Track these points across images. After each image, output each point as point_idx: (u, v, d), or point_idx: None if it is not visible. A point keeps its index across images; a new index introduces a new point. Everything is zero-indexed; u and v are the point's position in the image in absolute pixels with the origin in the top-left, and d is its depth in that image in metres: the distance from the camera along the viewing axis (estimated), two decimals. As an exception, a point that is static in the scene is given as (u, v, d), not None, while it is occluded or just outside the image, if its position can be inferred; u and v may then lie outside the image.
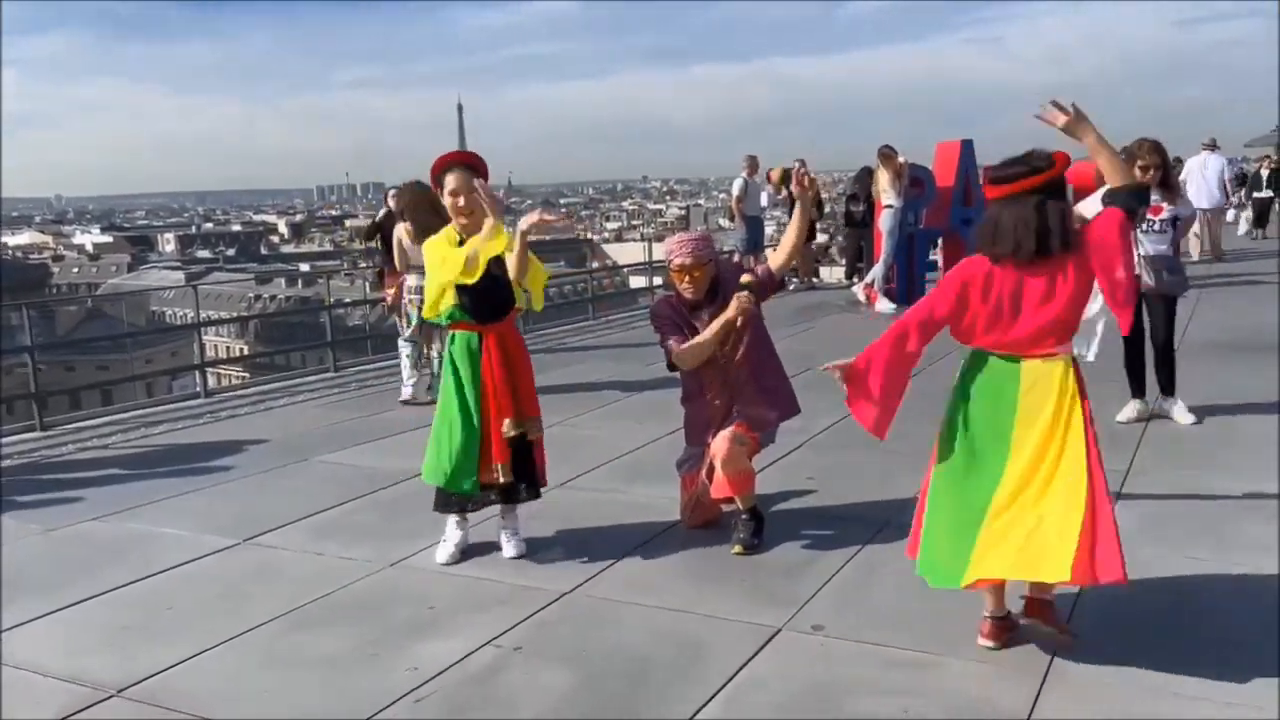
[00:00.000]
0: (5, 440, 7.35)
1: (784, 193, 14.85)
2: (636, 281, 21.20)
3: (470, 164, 4.29)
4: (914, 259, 12.45)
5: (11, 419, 8.60)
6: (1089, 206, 3.77)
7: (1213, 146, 15.86)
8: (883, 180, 11.71)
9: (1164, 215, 5.95)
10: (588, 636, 3.63)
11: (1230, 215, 18.10)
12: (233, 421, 7.80)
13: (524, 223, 4.23)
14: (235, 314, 39.31)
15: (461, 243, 4.26)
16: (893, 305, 11.66)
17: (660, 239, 17.61)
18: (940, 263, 12.67)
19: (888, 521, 4.51)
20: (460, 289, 4.20)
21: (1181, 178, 14.59)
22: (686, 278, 4.38)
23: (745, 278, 4.36)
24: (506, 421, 4.25)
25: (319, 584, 4.20)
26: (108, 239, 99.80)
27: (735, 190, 14.26)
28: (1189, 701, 3.00)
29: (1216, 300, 10.88)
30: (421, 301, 7.12)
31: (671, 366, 4.48)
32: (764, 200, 14.51)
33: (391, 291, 8.14)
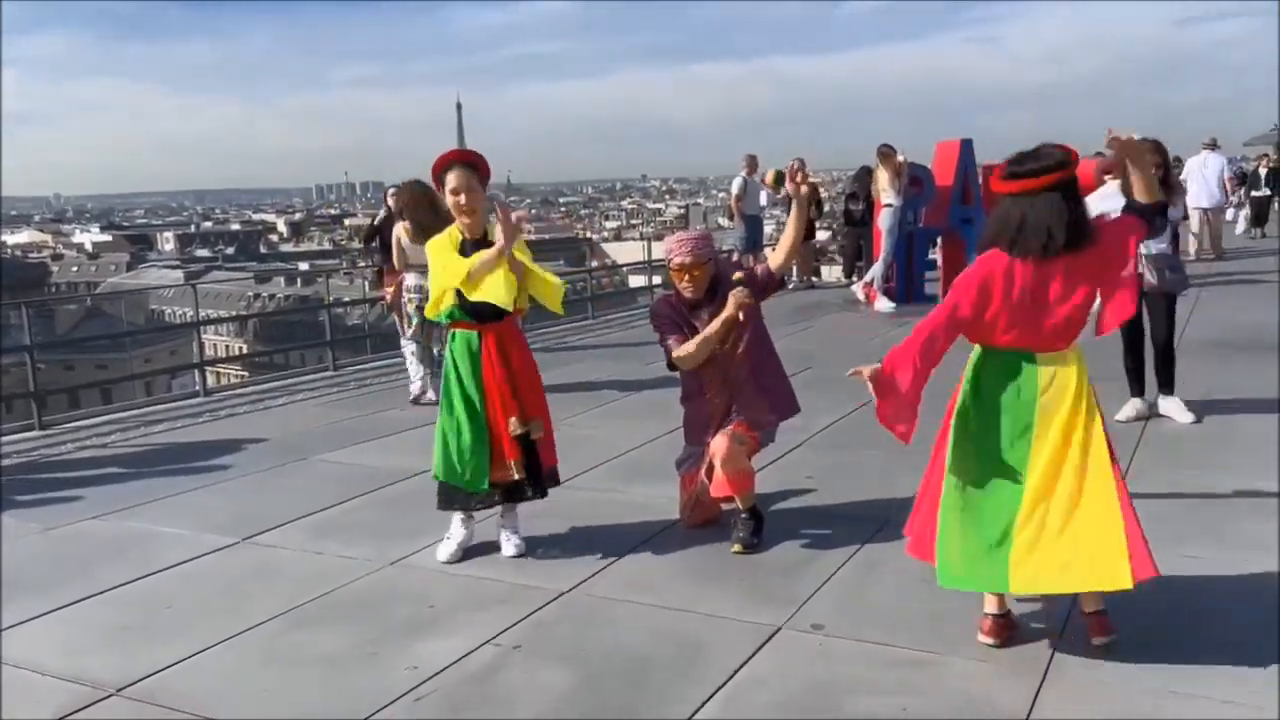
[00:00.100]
0: (4, 439, 7.35)
1: (782, 192, 14.86)
2: (636, 281, 21.21)
3: (471, 163, 4.30)
4: (913, 258, 12.45)
5: (10, 418, 8.60)
6: (1090, 205, 3.78)
7: (1213, 146, 15.88)
8: (882, 179, 11.72)
9: (1172, 214, 5.96)
10: (587, 635, 3.63)
11: (1230, 214, 18.11)
12: (232, 420, 7.81)
13: (503, 244, 4.11)
14: (234, 313, 39.32)
15: (463, 243, 4.26)
16: (892, 304, 11.67)
17: (659, 238, 17.62)
18: (939, 261, 12.67)
19: (887, 520, 4.51)
20: (460, 290, 4.21)
21: (1182, 177, 14.60)
22: (686, 277, 4.39)
23: (737, 275, 4.37)
24: (511, 420, 4.25)
25: (318, 583, 4.20)
26: (107, 238, 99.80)
27: (734, 189, 14.27)
28: (1188, 700, 3.00)
29: (1216, 299, 10.89)
30: (421, 301, 7.14)
31: (671, 366, 4.48)
32: (763, 199, 14.51)
33: (390, 290, 8.14)
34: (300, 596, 4.06)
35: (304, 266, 61.75)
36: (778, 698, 3.14)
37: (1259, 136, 29.06)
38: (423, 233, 6.60)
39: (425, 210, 7.05)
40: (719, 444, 4.32)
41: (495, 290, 4.12)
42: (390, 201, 8.63)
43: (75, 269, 77.72)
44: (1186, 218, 9.55)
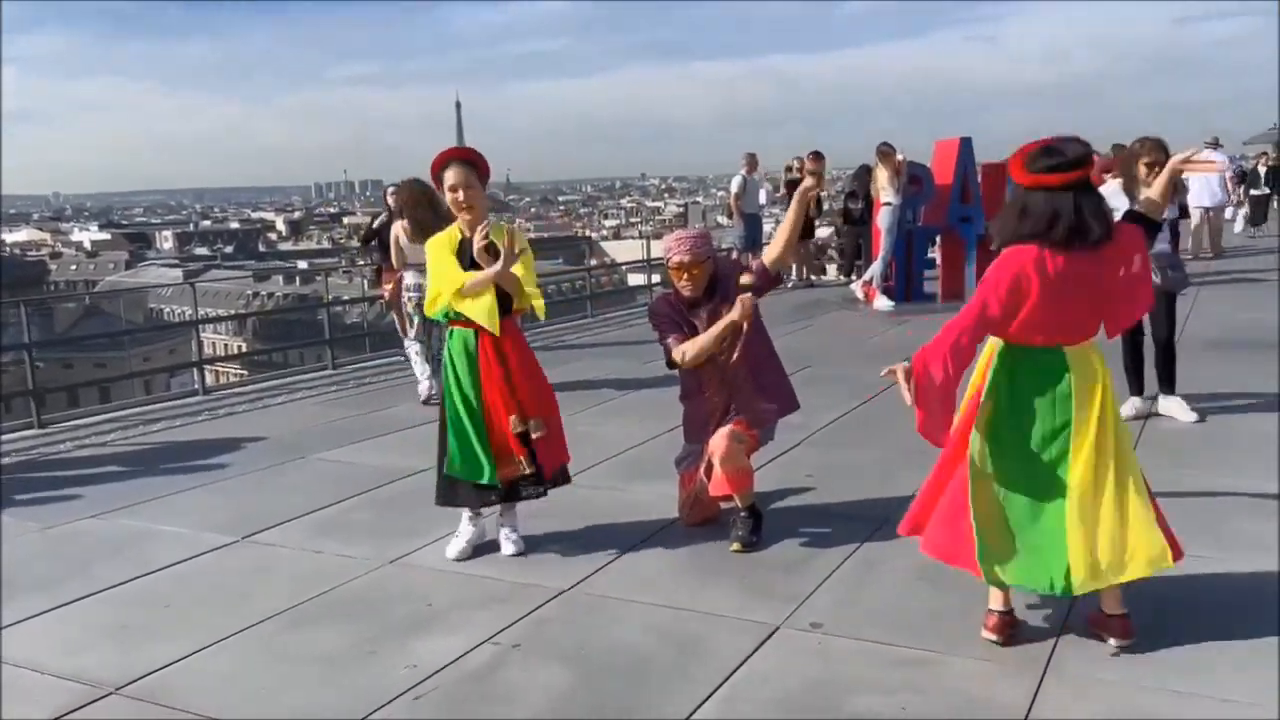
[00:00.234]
0: (3, 438, 7.34)
1: (782, 191, 14.86)
2: (635, 279, 21.19)
3: (470, 160, 4.30)
4: (912, 256, 12.45)
5: (10, 416, 8.59)
6: None
7: (1215, 144, 15.89)
8: (881, 178, 11.72)
9: (1165, 215, 5.96)
10: (586, 634, 3.63)
11: (1228, 213, 18.12)
12: (231, 419, 7.80)
13: (499, 270, 4.14)
14: (233, 311, 39.27)
15: (462, 242, 4.26)
16: (891, 303, 11.67)
17: (658, 236, 17.61)
18: (938, 260, 12.67)
19: (886, 519, 4.50)
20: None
21: (1184, 175, 14.56)
22: (685, 275, 4.38)
23: (745, 278, 4.34)
24: (511, 418, 4.25)
25: (317, 581, 4.20)
26: (106, 236, 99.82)
27: (734, 188, 14.27)
28: (1187, 699, 3.00)
29: (1215, 297, 10.89)
30: (421, 299, 7.13)
31: (670, 364, 4.48)
32: (762, 198, 14.51)
33: (389, 287, 8.13)
34: (299, 595, 4.06)
35: (303, 265, 61.72)
36: (777, 696, 3.14)
37: (1258, 135, 29.06)
38: (421, 231, 6.60)
39: (424, 209, 7.04)
40: (718, 442, 4.32)
41: (479, 311, 4.19)
42: (390, 200, 8.62)
43: (74, 267, 77.74)
44: (1185, 216, 9.56)
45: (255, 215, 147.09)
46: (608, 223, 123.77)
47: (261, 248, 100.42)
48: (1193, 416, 6.06)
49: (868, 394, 7.06)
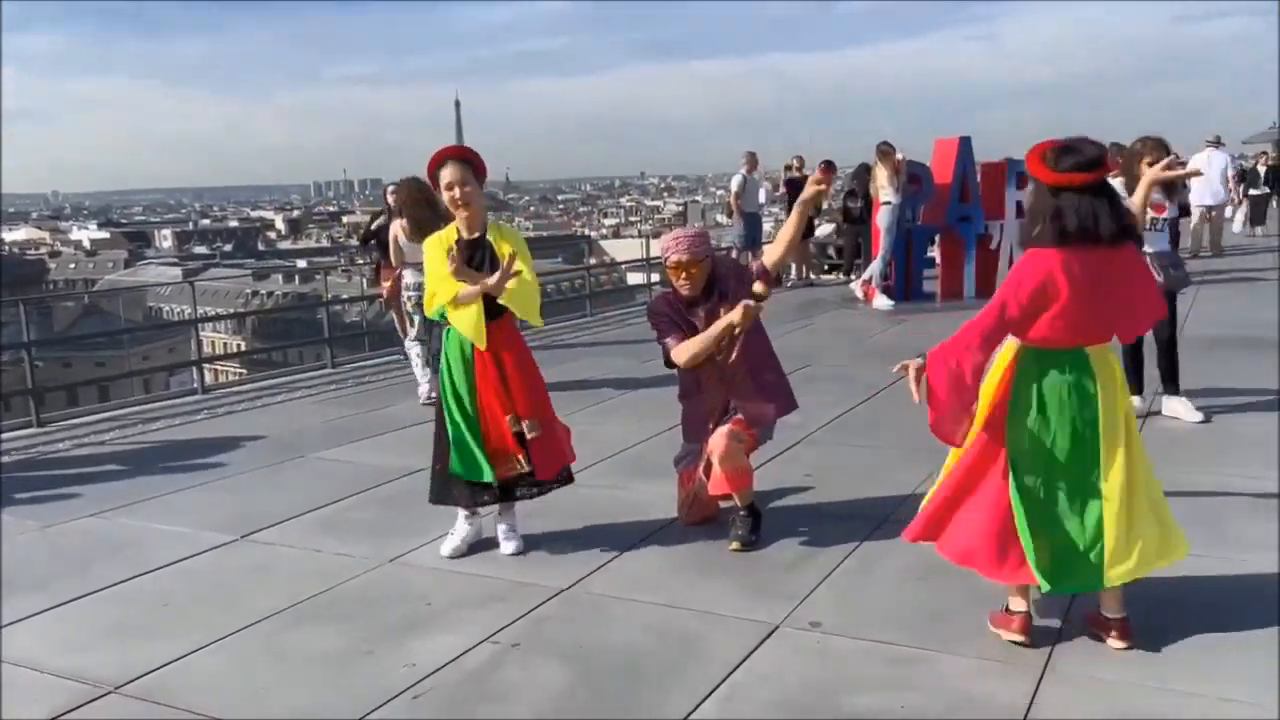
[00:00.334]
0: (3, 436, 7.34)
1: (780, 189, 14.86)
2: (634, 278, 21.20)
3: (466, 159, 4.30)
4: (911, 256, 12.45)
5: (9, 415, 8.59)
6: None
7: (1217, 143, 15.89)
8: (881, 177, 11.72)
9: (1166, 214, 5.96)
10: (585, 633, 3.63)
11: (1228, 212, 18.12)
12: (230, 418, 7.80)
13: (492, 285, 4.15)
14: (232, 310, 39.27)
15: (457, 243, 4.26)
16: (890, 302, 11.67)
17: (658, 235, 17.64)
18: (938, 259, 12.68)
19: (885, 517, 4.51)
20: None
21: None
22: (683, 274, 4.38)
23: (759, 287, 4.32)
24: (508, 418, 4.25)
25: (316, 580, 4.20)
26: (105, 235, 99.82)
27: (734, 186, 14.27)
28: (1186, 698, 3.00)
29: (1214, 296, 10.89)
30: (420, 298, 7.12)
31: (669, 364, 4.48)
32: (761, 196, 14.51)
33: (388, 285, 8.13)
34: (298, 594, 4.06)
35: (302, 264, 61.75)
36: (776, 695, 3.14)
37: (1258, 134, 29.06)
38: (420, 230, 6.59)
39: (423, 207, 7.04)
40: (717, 441, 4.32)
41: (466, 324, 4.21)
42: (390, 199, 8.62)
43: (73, 266, 77.72)
44: (1186, 215, 9.57)
45: (254, 214, 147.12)
46: (607, 221, 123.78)
47: (261, 246, 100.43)
48: (1197, 416, 6.04)
49: (867, 393, 7.06)
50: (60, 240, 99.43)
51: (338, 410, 7.79)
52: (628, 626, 3.66)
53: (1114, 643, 3.28)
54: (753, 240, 14.07)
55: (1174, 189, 6.19)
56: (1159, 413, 6.20)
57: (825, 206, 17.22)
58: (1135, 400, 6.20)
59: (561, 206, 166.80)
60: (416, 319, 7.66)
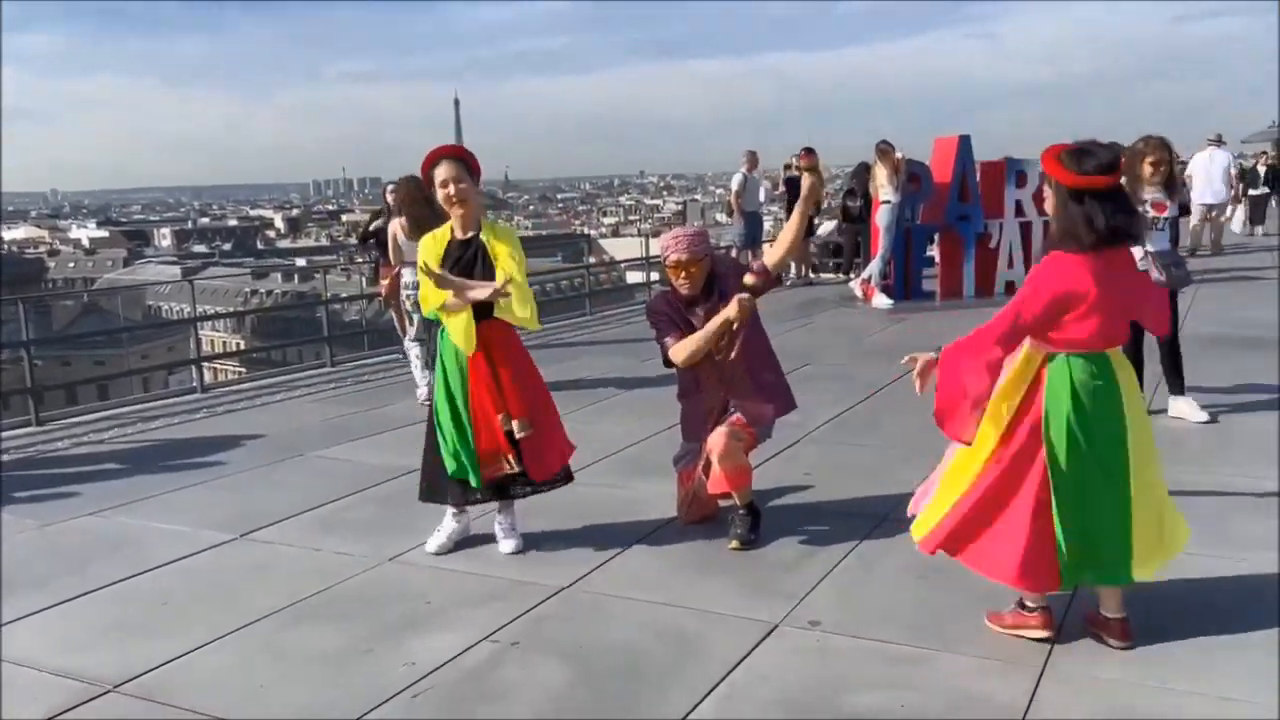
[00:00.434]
0: (2, 435, 7.33)
1: (780, 188, 14.85)
2: (634, 277, 21.19)
3: (461, 157, 4.31)
4: (911, 254, 12.44)
5: (8, 414, 8.59)
6: None
7: (1219, 142, 15.87)
8: (880, 176, 11.71)
9: (1167, 213, 5.96)
10: (584, 632, 3.63)
11: (1227, 211, 18.12)
12: (229, 417, 7.80)
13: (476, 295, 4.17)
14: (232, 309, 39.24)
15: (450, 244, 4.28)
16: (890, 301, 11.67)
17: (657, 234, 17.63)
18: (937, 258, 12.67)
19: (885, 516, 4.51)
20: None
21: (1188, 173, 14.60)
22: (682, 273, 4.38)
23: (749, 279, 4.33)
24: (500, 417, 4.25)
25: (315, 579, 4.20)
26: (104, 234, 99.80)
27: (734, 185, 14.27)
28: (1186, 697, 3.00)
29: (1213, 295, 10.89)
30: (418, 297, 7.12)
31: (668, 362, 4.48)
32: (761, 195, 14.50)
33: (386, 284, 8.12)
34: (297, 593, 4.06)
35: (301, 262, 61.67)
36: (775, 694, 3.14)
37: (1257, 133, 29.06)
38: (418, 229, 6.58)
39: (421, 206, 7.03)
40: (716, 440, 4.31)
41: (455, 330, 4.25)
42: (389, 198, 8.61)
43: (72, 265, 77.69)
44: (1186, 214, 9.54)
45: (253, 212, 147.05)
46: (606, 220, 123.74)
47: (260, 245, 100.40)
48: (1203, 416, 6.00)
49: (866, 392, 7.06)
50: (59, 239, 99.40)
51: (337, 409, 7.79)
52: (627, 625, 3.66)
53: (1114, 642, 3.28)
54: (753, 239, 14.06)
55: (1175, 188, 6.18)
56: (1161, 411, 6.19)
57: (825, 205, 17.20)
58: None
59: (561, 205, 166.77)
60: (415, 318, 7.65)
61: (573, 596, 3.95)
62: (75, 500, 5.53)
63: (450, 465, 4.31)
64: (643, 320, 5.01)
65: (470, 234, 4.30)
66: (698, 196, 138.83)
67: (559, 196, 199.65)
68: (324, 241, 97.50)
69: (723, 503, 4.58)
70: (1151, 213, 5.60)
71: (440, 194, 4.27)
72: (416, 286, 7.34)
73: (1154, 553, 3.25)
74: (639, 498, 5.05)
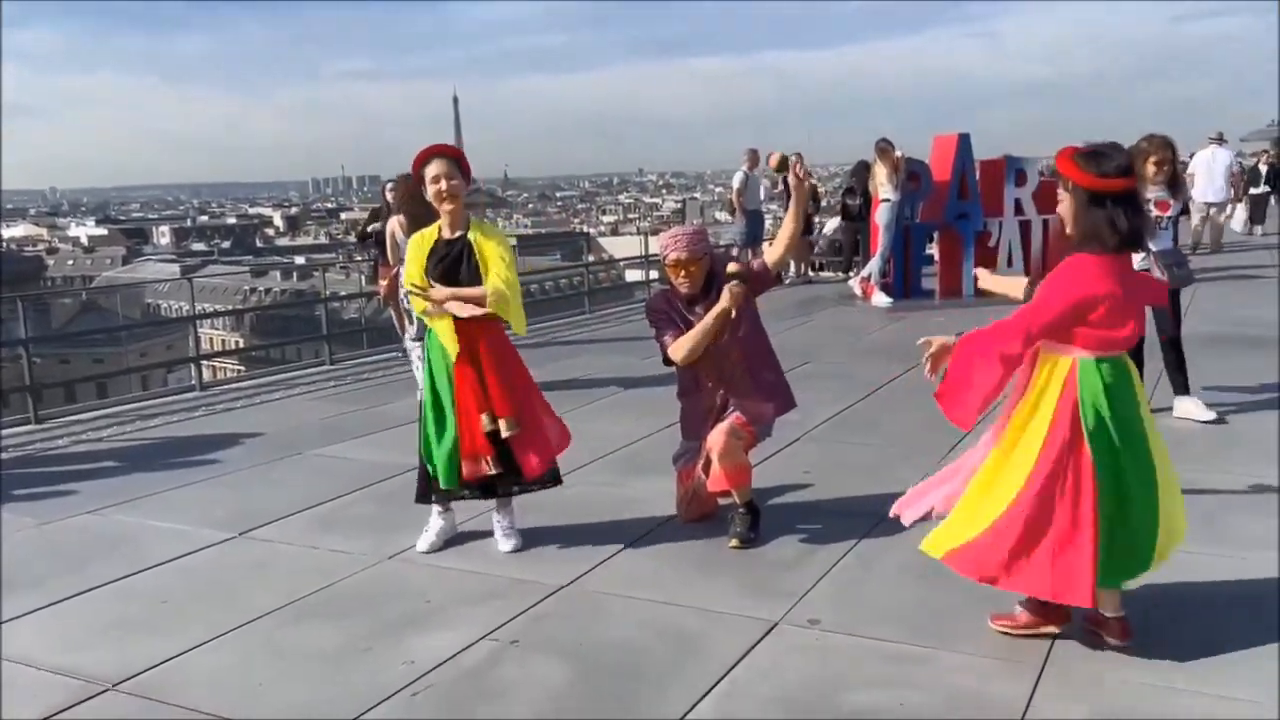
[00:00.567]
0: (1, 433, 7.33)
1: (780, 186, 14.83)
2: (633, 275, 21.17)
3: (453, 155, 4.33)
4: (910, 253, 12.44)
5: (7, 412, 8.58)
6: None
7: (1220, 140, 15.87)
8: (880, 174, 11.71)
9: (1170, 212, 5.95)
10: (584, 630, 3.63)
11: (1227, 209, 18.12)
12: (228, 415, 7.79)
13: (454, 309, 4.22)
14: (230, 307, 39.21)
15: (436, 243, 4.30)
16: (889, 299, 11.67)
17: (656, 232, 17.62)
18: (937, 257, 12.67)
19: (885, 514, 4.47)
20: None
21: (1189, 171, 14.60)
22: (682, 272, 4.37)
23: (732, 267, 4.34)
24: (482, 416, 4.25)
25: (315, 577, 4.19)
26: (102, 231, 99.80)
27: (736, 184, 14.27)
28: (1185, 696, 3.00)
29: (1212, 294, 10.88)
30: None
31: (668, 361, 4.48)
32: (762, 194, 14.49)
33: (385, 284, 8.12)
34: (296, 591, 4.05)
35: (300, 260, 61.63)
36: (775, 692, 3.14)
37: (1256, 132, 29.08)
38: (416, 227, 6.58)
39: (420, 204, 7.01)
40: (716, 439, 4.31)
41: (440, 331, 4.28)
42: (388, 196, 8.60)
43: (71, 263, 77.66)
44: (1186, 213, 9.52)
45: (252, 210, 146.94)
46: (605, 218, 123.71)
47: (259, 243, 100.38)
48: (1210, 415, 5.96)
49: (866, 390, 7.06)
50: (58, 237, 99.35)
51: (336, 407, 7.78)
52: (626, 624, 3.66)
53: (1113, 641, 3.28)
54: (754, 237, 14.06)
55: (1179, 187, 6.18)
56: (1165, 410, 6.18)
57: (825, 203, 17.18)
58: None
59: (560, 203, 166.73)
60: (415, 317, 7.65)
61: (572, 595, 3.95)
62: (74, 498, 5.52)
63: (431, 464, 4.34)
64: (642, 318, 5.00)
65: (458, 233, 4.30)
66: (697, 195, 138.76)
67: (558, 195, 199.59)
68: (323, 240, 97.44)
69: (722, 501, 4.58)
70: (1155, 212, 5.59)
71: (431, 190, 4.27)
72: (415, 285, 7.36)
73: (1167, 545, 3.27)
74: (638, 496, 5.05)
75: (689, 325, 4.38)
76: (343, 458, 6.18)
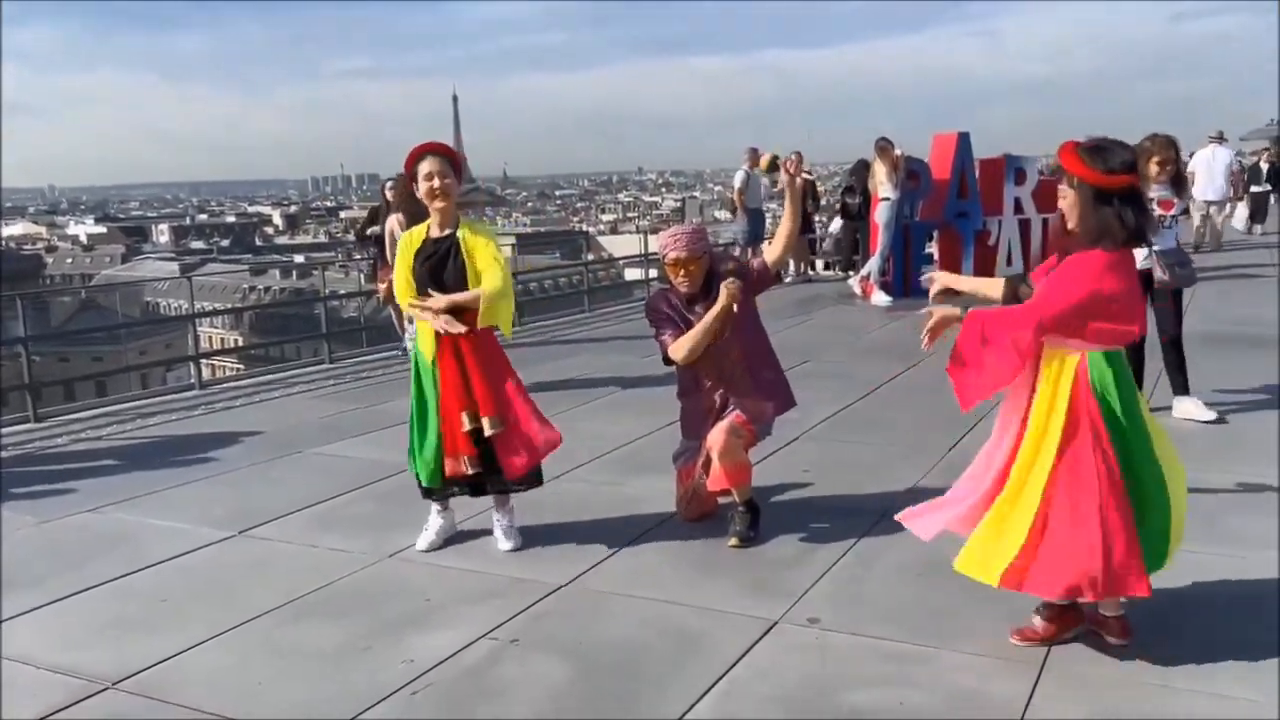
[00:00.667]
0: (0, 431, 7.33)
1: (779, 185, 14.83)
2: (632, 274, 21.16)
3: (446, 154, 4.34)
4: (910, 252, 12.45)
5: (6, 410, 8.57)
6: None
7: (1220, 139, 15.87)
8: (879, 173, 11.71)
9: (1173, 211, 5.95)
10: (584, 629, 3.63)
11: (1227, 208, 18.12)
12: (227, 413, 7.79)
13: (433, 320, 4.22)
14: (230, 305, 39.18)
15: (425, 242, 4.32)
16: (888, 298, 11.67)
17: (656, 231, 17.62)
18: (936, 255, 12.68)
19: (884, 513, 4.49)
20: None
21: (1190, 169, 14.60)
22: (681, 271, 4.37)
23: (729, 266, 4.37)
24: (463, 415, 4.24)
25: (314, 576, 4.19)
26: (102, 230, 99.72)
27: (737, 183, 14.26)
28: (1185, 696, 3.00)
29: (1212, 293, 10.88)
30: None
31: (668, 361, 4.47)
32: (762, 192, 14.48)
33: (384, 286, 8.11)
34: (296, 590, 4.05)
35: (299, 259, 61.59)
36: (774, 691, 3.14)
37: (1256, 131, 29.09)
38: (413, 224, 6.59)
39: (418, 202, 7.02)
40: (716, 437, 4.31)
41: (422, 332, 4.32)
42: (388, 195, 8.60)
43: (70, 261, 77.62)
44: (1187, 213, 9.52)
45: (252, 209, 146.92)
46: (605, 217, 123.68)
47: (258, 241, 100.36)
48: (1210, 415, 5.95)
49: (865, 389, 7.05)
50: (57, 235, 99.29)
51: (335, 406, 7.78)
52: (626, 622, 3.66)
53: (1112, 639, 3.27)
54: (756, 236, 14.05)
55: (1183, 186, 6.18)
56: (1165, 409, 6.17)
57: (825, 202, 17.17)
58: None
59: (559, 202, 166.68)
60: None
61: (572, 594, 3.94)
62: (73, 497, 5.52)
63: (415, 462, 4.38)
64: (641, 317, 5.00)
65: (446, 231, 4.30)
66: (696, 193, 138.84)
67: (557, 193, 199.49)
68: (322, 238, 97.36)
69: (722, 500, 4.57)
70: (1159, 211, 5.59)
71: (423, 186, 4.27)
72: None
73: (1177, 539, 3.27)
74: (638, 495, 5.05)
75: (689, 324, 4.37)
76: (342, 456, 6.18)
